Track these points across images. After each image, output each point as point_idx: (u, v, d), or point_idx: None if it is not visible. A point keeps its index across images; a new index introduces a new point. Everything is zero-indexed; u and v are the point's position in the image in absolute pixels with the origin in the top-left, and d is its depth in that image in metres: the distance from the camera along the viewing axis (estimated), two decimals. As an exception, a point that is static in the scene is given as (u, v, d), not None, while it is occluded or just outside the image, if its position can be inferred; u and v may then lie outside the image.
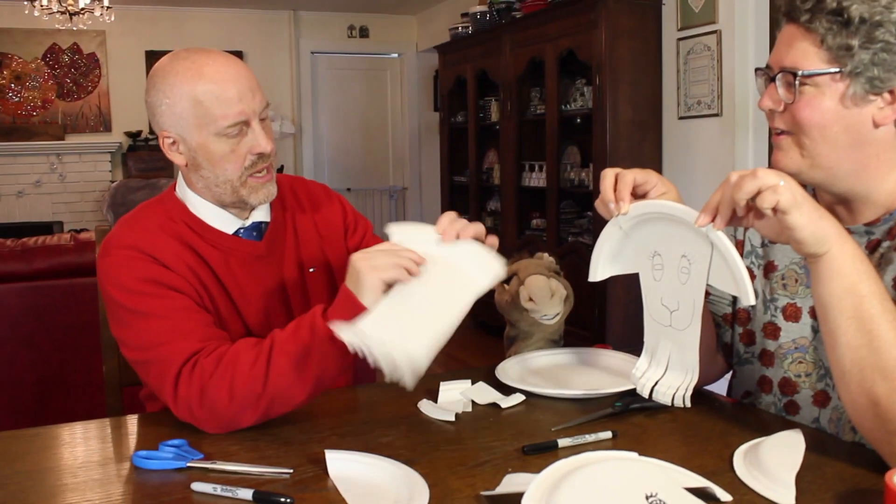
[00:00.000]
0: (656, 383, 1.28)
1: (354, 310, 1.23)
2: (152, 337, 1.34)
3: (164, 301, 1.37)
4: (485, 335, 5.61)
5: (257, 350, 1.29)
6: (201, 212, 1.49)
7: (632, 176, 1.23)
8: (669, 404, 1.26)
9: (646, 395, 1.28)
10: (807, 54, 1.17)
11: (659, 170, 4.55)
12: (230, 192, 1.46)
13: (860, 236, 1.25)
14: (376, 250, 1.26)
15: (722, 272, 1.14)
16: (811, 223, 1.05)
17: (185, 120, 1.41)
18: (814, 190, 1.35)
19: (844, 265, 1.06)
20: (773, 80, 1.22)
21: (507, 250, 5.73)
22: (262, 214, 1.55)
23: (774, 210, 1.04)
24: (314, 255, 1.59)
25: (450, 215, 1.32)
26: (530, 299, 1.58)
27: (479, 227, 1.30)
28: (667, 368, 1.27)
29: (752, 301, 1.11)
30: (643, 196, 1.27)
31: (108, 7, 5.67)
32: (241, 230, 1.52)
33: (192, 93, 1.39)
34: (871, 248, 1.24)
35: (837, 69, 1.16)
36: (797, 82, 1.17)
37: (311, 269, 1.57)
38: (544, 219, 5.17)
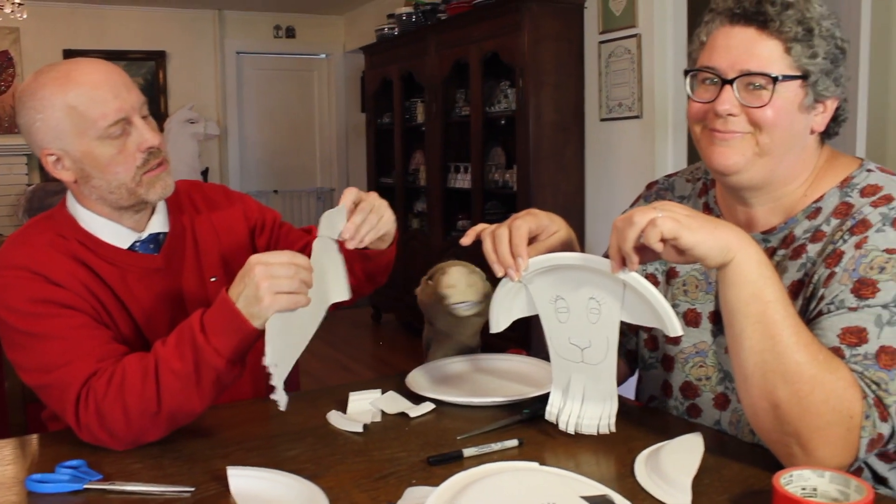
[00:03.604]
0: (578, 417, 1.26)
1: (243, 331, 1.22)
2: (49, 359, 1.29)
3: (59, 320, 1.32)
4: (413, 336, 5.61)
5: (143, 367, 1.26)
6: (94, 227, 1.44)
7: (526, 226, 1.24)
8: (595, 434, 1.25)
9: (571, 430, 1.26)
10: (772, 59, 1.17)
11: (581, 171, 4.63)
12: (127, 195, 1.41)
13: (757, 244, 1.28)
14: (278, 262, 1.21)
15: (637, 307, 1.15)
16: (707, 237, 1.06)
17: (64, 131, 1.36)
18: (715, 199, 1.38)
19: (750, 271, 1.08)
20: (727, 83, 1.19)
21: (433, 251, 5.73)
22: (159, 225, 1.50)
23: (665, 241, 1.06)
24: (215, 263, 1.55)
25: (350, 196, 1.32)
26: (449, 285, 1.58)
27: (383, 218, 1.35)
28: (583, 400, 1.27)
29: (680, 332, 1.12)
30: (535, 239, 1.28)
31: (19, 4, 5.48)
32: (138, 244, 1.47)
33: (64, 101, 1.34)
34: (769, 256, 1.27)
35: (804, 75, 1.18)
36: (773, 87, 1.16)
37: (212, 279, 1.54)
38: (470, 220, 5.19)
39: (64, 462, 1.17)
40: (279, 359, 1.22)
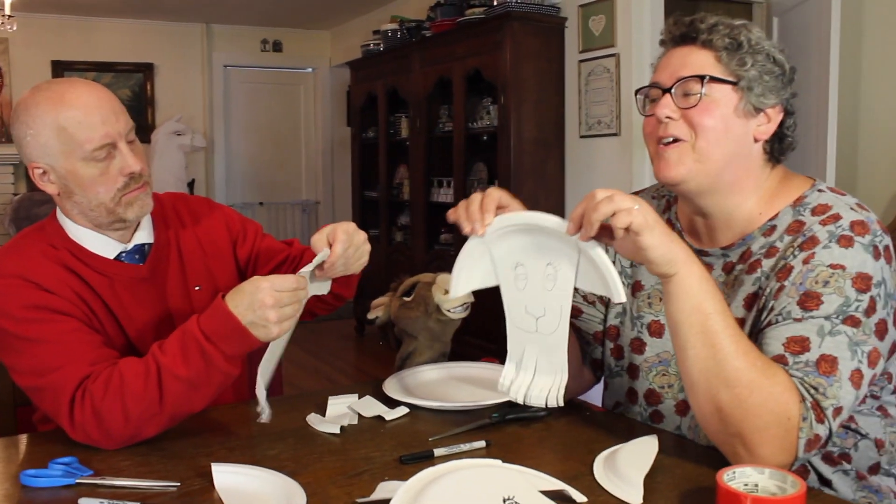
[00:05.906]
0: (528, 388, 1.32)
1: (250, 343, 1.31)
2: (43, 362, 1.35)
3: (52, 325, 1.38)
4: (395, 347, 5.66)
5: (144, 372, 1.32)
6: (81, 238, 1.51)
7: (497, 195, 1.30)
8: (544, 405, 1.30)
9: (521, 400, 1.32)
10: (706, 66, 1.30)
11: (562, 186, 4.72)
12: (105, 214, 1.47)
13: (717, 258, 1.37)
14: (286, 288, 1.29)
15: (589, 275, 1.22)
16: (662, 245, 1.15)
17: (52, 148, 1.42)
18: (676, 214, 1.46)
19: (692, 286, 1.17)
20: (666, 91, 1.31)
21: (416, 264, 5.77)
22: (144, 236, 1.57)
23: (628, 230, 1.14)
24: (199, 272, 1.62)
25: (343, 236, 1.41)
26: (446, 291, 1.64)
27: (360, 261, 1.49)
28: (535, 372, 1.32)
29: (623, 299, 1.19)
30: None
31: (9, 16, 5.54)
32: (123, 254, 1.53)
33: (55, 120, 1.41)
34: (727, 270, 1.36)
35: (735, 80, 1.29)
36: (703, 88, 1.28)
37: (196, 288, 1.60)
38: (452, 234, 5.27)
39: (56, 458, 1.23)
40: (263, 375, 1.34)
